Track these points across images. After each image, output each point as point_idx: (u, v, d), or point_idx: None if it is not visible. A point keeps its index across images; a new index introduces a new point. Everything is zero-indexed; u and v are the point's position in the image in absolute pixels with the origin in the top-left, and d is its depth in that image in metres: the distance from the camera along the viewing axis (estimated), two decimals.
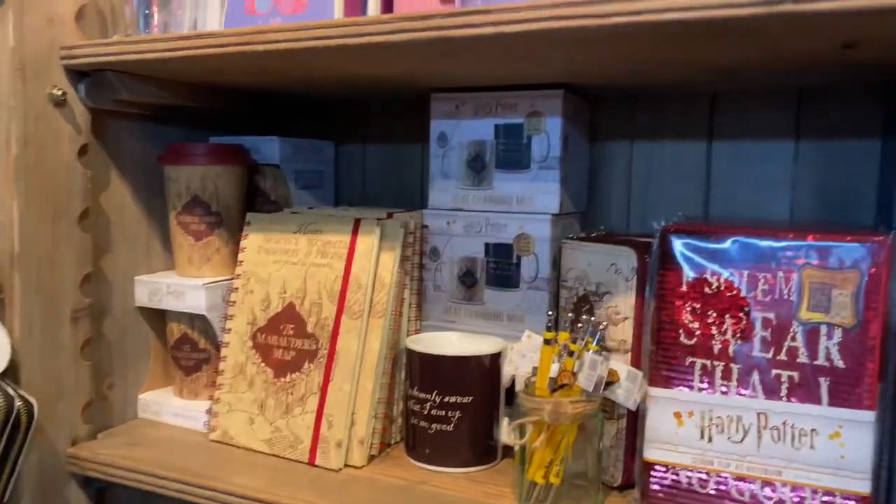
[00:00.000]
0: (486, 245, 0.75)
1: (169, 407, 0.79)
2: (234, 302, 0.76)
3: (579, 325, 0.62)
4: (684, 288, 0.59)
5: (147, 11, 0.72)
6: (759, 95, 0.74)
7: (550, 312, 0.62)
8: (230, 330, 0.76)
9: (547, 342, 0.60)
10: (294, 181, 0.87)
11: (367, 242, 0.71)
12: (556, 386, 0.60)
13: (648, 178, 0.80)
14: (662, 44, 0.54)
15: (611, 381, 0.60)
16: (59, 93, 0.68)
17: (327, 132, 0.97)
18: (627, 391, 0.60)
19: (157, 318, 0.82)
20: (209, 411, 0.76)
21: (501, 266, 0.74)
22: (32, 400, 0.66)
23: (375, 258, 0.71)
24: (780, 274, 0.56)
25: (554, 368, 0.60)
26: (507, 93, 0.74)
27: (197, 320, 0.78)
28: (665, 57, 0.59)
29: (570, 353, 0.60)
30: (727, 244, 0.57)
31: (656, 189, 0.79)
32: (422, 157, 0.92)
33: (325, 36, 0.58)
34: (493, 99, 0.75)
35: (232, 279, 0.77)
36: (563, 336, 0.61)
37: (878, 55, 0.55)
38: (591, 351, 0.59)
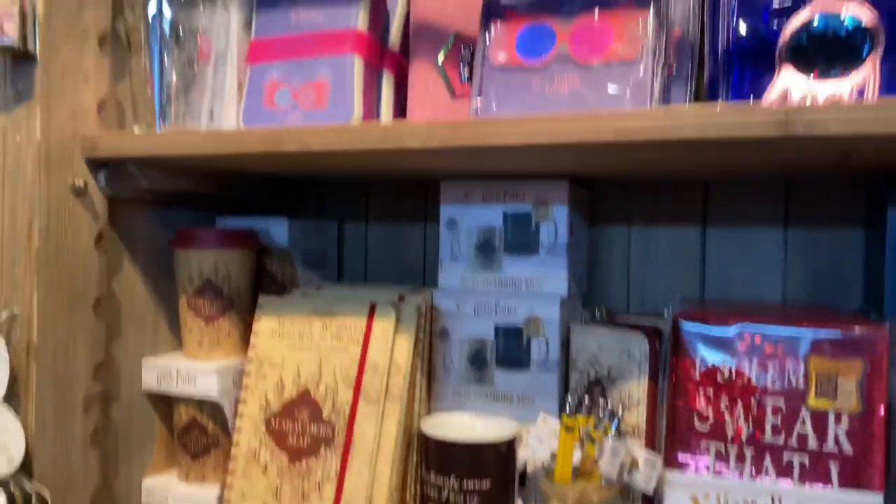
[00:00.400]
0: (496, 327, 0.77)
1: (175, 493, 0.79)
2: (247, 386, 0.77)
3: (595, 409, 0.65)
4: (698, 376, 0.62)
5: (166, 103, 0.74)
6: (750, 185, 0.79)
7: (570, 400, 0.64)
8: (242, 415, 0.76)
9: (568, 429, 0.62)
10: (301, 261, 0.88)
11: (384, 326, 0.73)
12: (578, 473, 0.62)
13: (646, 261, 0.83)
14: (673, 152, 0.58)
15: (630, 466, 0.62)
16: (81, 184, 0.69)
17: (330, 210, 0.99)
18: (647, 476, 0.62)
19: (163, 401, 0.81)
20: (221, 498, 0.75)
21: (511, 348, 0.76)
22: (46, 494, 0.66)
23: (391, 342, 0.72)
24: (789, 362, 0.59)
25: (576, 455, 0.62)
26: (515, 182, 0.77)
27: (206, 405, 0.78)
28: (671, 159, 0.63)
29: (591, 440, 0.62)
30: (737, 332, 0.61)
31: (654, 271, 0.83)
32: (424, 235, 0.94)
33: (356, 140, 0.60)
34: (501, 187, 0.78)
35: (242, 362, 0.78)
36: (582, 421, 0.63)
37: (868, 160, 0.60)
38: (611, 437, 0.62)
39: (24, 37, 0.64)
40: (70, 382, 0.70)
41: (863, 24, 0.63)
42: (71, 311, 0.70)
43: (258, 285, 0.86)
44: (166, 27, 0.73)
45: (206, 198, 0.88)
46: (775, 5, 0.66)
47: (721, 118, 0.49)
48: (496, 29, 0.70)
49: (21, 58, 0.66)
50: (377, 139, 0.59)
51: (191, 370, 0.77)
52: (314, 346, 0.75)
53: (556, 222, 0.76)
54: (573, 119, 0.53)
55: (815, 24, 0.65)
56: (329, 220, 0.96)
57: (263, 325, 0.78)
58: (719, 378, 0.61)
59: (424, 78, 0.76)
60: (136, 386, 0.79)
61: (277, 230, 0.87)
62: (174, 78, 0.74)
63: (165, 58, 0.74)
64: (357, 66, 0.71)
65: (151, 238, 0.81)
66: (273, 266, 0.87)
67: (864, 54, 0.63)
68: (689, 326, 0.62)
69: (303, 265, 0.89)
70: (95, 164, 0.71)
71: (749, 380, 0.60)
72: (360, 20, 0.72)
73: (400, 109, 0.78)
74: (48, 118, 0.67)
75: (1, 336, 0.65)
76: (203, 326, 0.79)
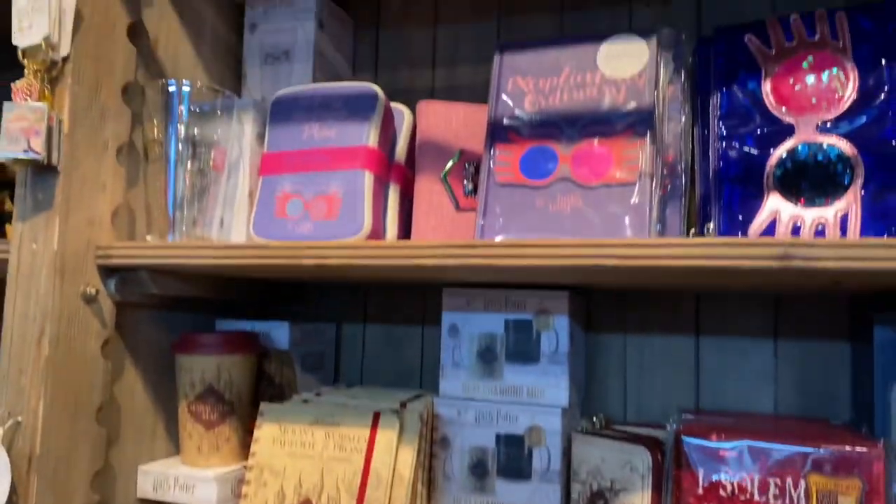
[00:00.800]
0: (498, 436, 0.78)
1: None
2: (246, 495, 0.76)
3: None
4: (700, 490, 0.63)
5: (178, 210, 0.76)
6: (740, 297, 0.83)
7: None
8: None
9: None
10: (300, 364, 0.89)
11: (388, 436, 0.73)
12: None
13: (641, 369, 0.86)
14: (674, 276, 0.61)
15: None
16: (93, 291, 0.70)
17: (328, 311, 1.00)
18: None
19: None
20: None
21: (513, 457, 0.77)
22: None
23: (395, 452, 0.73)
24: (789, 479, 0.61)
25: None
26: (516, 291, 0.80)
27: None
28: (669, 279, 0.66)
29: None
30: (739, 449, 0.63)
31: (649, 378, 0.85)
32: (422, 337, 0.96)
33: (374, 256, 0.63)
34: (502, 296, 0.80)
35: (241, 469, 0.77)
36: None
37: (856, 285, 0.64)
38: None
39: (48, 150, 0.67)
40: (69, 492, 0.68)
41: (843, 154, 0.68)
42: (74, 419, 0.69)
43: (257, 389, 0.86)
44: (183, 138, 0.76)
45: (206, 301, 0.89)
46: (759, 132, 0.71)
47: (724, 250, 0.52)
48: (501, 149, 0.74)
49: (44, 170, 0.68)
50: (395, 256, 0.62)
51: (189, 478, 0.76)
52: (316, 454, 0.75)
53: (557, 332, 0.78)
54: (584, 244, 0.56)
55: (799, 152, 0.70)
56: (327, 322, 0.97)
57: (265, 432, 0.78)
58: (722, 493, 0.63)
59: (430, 190, 0.80)
60: (132, 494, 0.78)
61: (278, 333, 0.87)
62: (187, 187, 0.76)
63: (180, 168, 0.76)
64: (368, 180, 0.74)
65: (153, 341, 0.81)
66: (272, 369, 0.88)
67: (847, 182, 0.68)
68: (691, 441, 0.64)
69: (303, 369, 0.89)
70: (107, 271, 0.72)
71: (751, 496, 0.62)
72: (370, 138, 0.75)
73: (404, 218, 0.81)
74: (65, 227, 0.68)
75: (2, 446, 0.64)
76: (203, 432, 0.79)
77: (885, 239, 0.48)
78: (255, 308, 0.97)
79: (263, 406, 0.79)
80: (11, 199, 0.93)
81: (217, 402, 0.79)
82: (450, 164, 0.80)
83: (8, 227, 0.91)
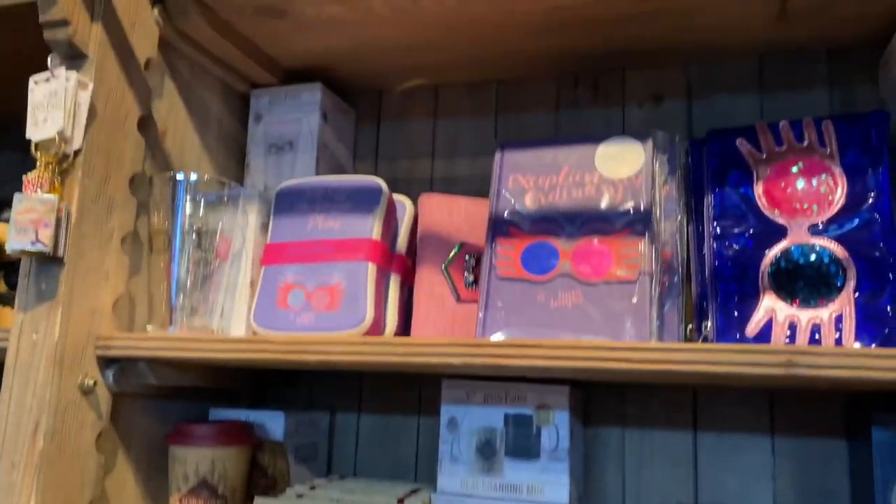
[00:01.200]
0: None
1: None
2: None
3: None
4: None
5: (180, 300, 0.76)
6: (738, 393, 0.83)
7: None
8: None
9: None
10: (293, 455, 0.87)
11: None
12: None
13: (640, 463, 0.85)
14: (677, 377, 0.62)
15: None
16: (91, 383, 0.69)
17: (322, 400, 0.99)
18: None
19: None
20: None
21: None
22: None
23: None
24: None
25: None
26: (516, 384, 0.80)
27: None
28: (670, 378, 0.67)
29: None
30: None
31: (648, 473, 0.85)
32: (417, 428, 0.95)
33: (378, 353, 0.63)
34: (502, 389, 0.80)
35: None
36: None
37: (854, 386, 0.65)
38: None
39: (56, 241, 0.67)
40: None
41: (835, 256, 0.70)
42: None
43: (250, 480, 0.85)
44: (188, 228, 0.77)
45: (202, 389, 0.87)
46: (752, 232, 0.74)
47: (728, 356, 0.53)
48: (503, 243, 0.76)
49: (48, 260, 0.68)
50: (399, 354, 0.62)
51: None
52: None
53: (557, 427, 0.78)
54: (589, 346, 0.57)
55: (792, 253, 0.72)
56: (321, 411, 0.96)
57: None
58: None
59: (430, 281, 0.80)
60: None
61: (273, 424, 0.86)
62: (190, 275, 0.77)
63: (184, 256, 0.77)
64: (371, 271, 0.75)
65: (147, 431, 0.80)
66: (265, 460, 0.86)
67: (840, 284, 0.70)
68: None
69: (296, 460, 0.88)
70: (106, 361, 0.72)
71: None
72: (374, 230, 0.77)
73: (404, 308, 0.82)
74: (67, 318, 0.68)
75: None
76: None
77: (889, 350, 0.50)
78: (248, 395, 0.96)
79: (258, 501, 0.78)
80: (5, 280, 0.93)
81: (210, 496, 0.77)
82: (451, 255, 0.81)
83: (1, 310, 0.91)
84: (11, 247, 0.65)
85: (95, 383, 0.70)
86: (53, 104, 0.68)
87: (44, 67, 0.71)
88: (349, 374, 0.99)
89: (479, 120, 0.99)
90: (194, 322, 0.76)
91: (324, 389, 1.00)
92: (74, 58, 0.71)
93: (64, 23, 0.69)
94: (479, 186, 0.95)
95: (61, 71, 0.69)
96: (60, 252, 0.68)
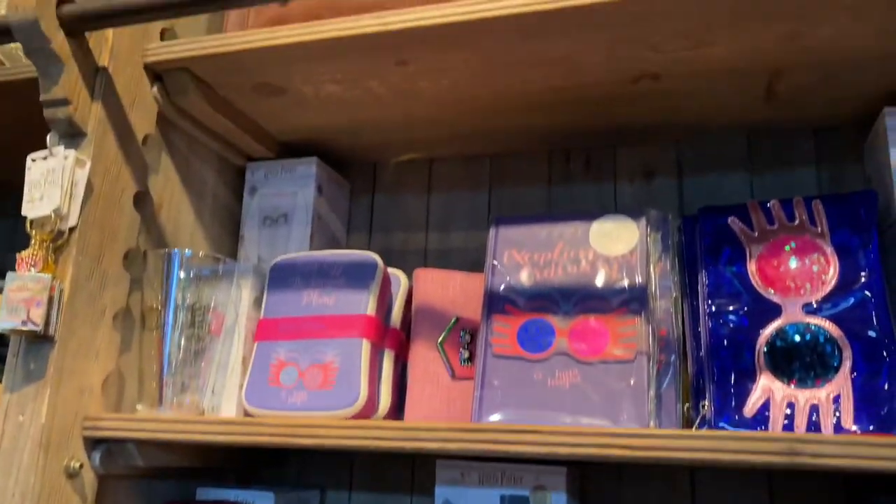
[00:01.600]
0: None
1: None
2: None
3: None
4: None
5: (170, 378, 0.75)
6: (737, 473, 0.82)
7: None
8: None
9: None
10: None
11: None
12: None
13: None
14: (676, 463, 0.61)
15: None
16: (77, 465, 0.67)
17: (312, 478, 0.96)
18: None
19: None
20: None
21: None
22: None
23: None
24: None
25: None
26: (512, 465, 0.78)
27: None
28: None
29: None
30: None
31: None
32: None
33: (373, 436, 0.62)
34: (498, 470, 0.79)
35: None
36: None
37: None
38: None
39: (47, 321, 0.66)
40: None
41: (830, 336, 0.70)
42: None
43: None
44: (181, 304, 0.76)
45: (188, 469, 0.85)
46: (747, 310, 0.74)
47: (730, 444, 0.52)
48: (498, 320, 0.76)
49: (39, 339, 0.67)
50: (394, 438, 0.61)
51: None
52: None
53: None
54: (588, 433, 0.56)
55: (787, 331, 0.72)
56: (311, 490, 0.93)
57: None
58: None
59: (425, 358, 0.80)
60: None
61: (262, 503, 0.84)
62: (182, 352, 0.76)
63: (176, 333, 0.76)
64: (365, 349, 0.75)
65: None
66: None
67: (836, 364, 0.70)
68: None
69: None
70: (93, 442, 0.70)
71: None
72: (369, 307, 0.76)
73: (398, 383, 0.80)
74: (55, 399, 0.66)
75: None
76: None
77: (893, 439, 0.49)
78: (236, 473, 0.93)
79: None
80: None
81: None
82: (446, 331, 0.81)
83: None
84: (1, 326, 0.64)
85: (81, 466, 0.68)
86: (51, 182, 0.68)
87: (40, 137, 0.71)
88: (340, 451, 0.97)
89: (473, 193, 1.00)
90: (185, 399, 0.75)
91: (314, 467, 0.97)
92: (73, 136, 0.72)
93: (65, 102, 0.70)
94: (474, 258, 0.95)
95: (60, 149, 0.70)
96: (52, 331, 0.67)
